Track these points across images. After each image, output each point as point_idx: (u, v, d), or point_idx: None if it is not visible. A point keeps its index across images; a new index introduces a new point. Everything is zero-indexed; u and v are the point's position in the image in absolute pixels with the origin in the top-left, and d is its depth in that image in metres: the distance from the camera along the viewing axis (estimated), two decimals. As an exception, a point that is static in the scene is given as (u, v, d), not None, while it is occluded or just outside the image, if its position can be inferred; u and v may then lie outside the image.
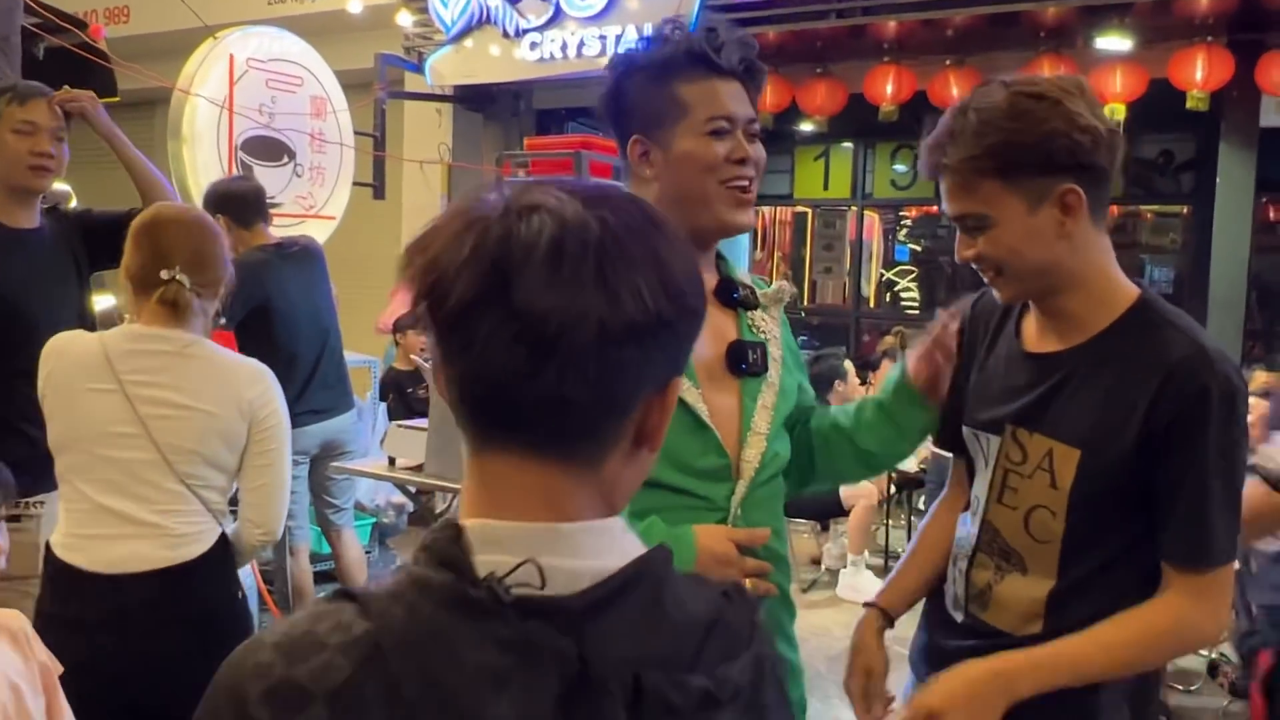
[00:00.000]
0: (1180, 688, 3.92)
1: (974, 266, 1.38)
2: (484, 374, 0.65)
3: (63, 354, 1.93)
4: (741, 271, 1.58)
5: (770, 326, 1.53)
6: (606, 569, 0.66)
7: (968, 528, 1.49)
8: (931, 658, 1.51)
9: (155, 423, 1.87)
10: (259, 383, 1.98)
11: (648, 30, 6.14)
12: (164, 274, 1.90)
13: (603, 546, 0.69)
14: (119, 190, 2.71)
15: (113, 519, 1.86)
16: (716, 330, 1.47)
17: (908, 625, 1.65)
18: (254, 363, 2.03)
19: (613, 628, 0.65)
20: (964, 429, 1.50)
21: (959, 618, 1.48)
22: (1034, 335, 1.42)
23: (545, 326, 0.62)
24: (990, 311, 1.51)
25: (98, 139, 2.65)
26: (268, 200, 4.12)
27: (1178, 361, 1.26)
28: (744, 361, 1.45)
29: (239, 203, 3.60)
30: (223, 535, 1.95)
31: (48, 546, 1.90)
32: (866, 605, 1.61)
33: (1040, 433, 1.35)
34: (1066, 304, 1.36)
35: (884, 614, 1.58)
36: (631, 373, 0.66)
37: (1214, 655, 3.98)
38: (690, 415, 1.39)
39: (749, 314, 1.52)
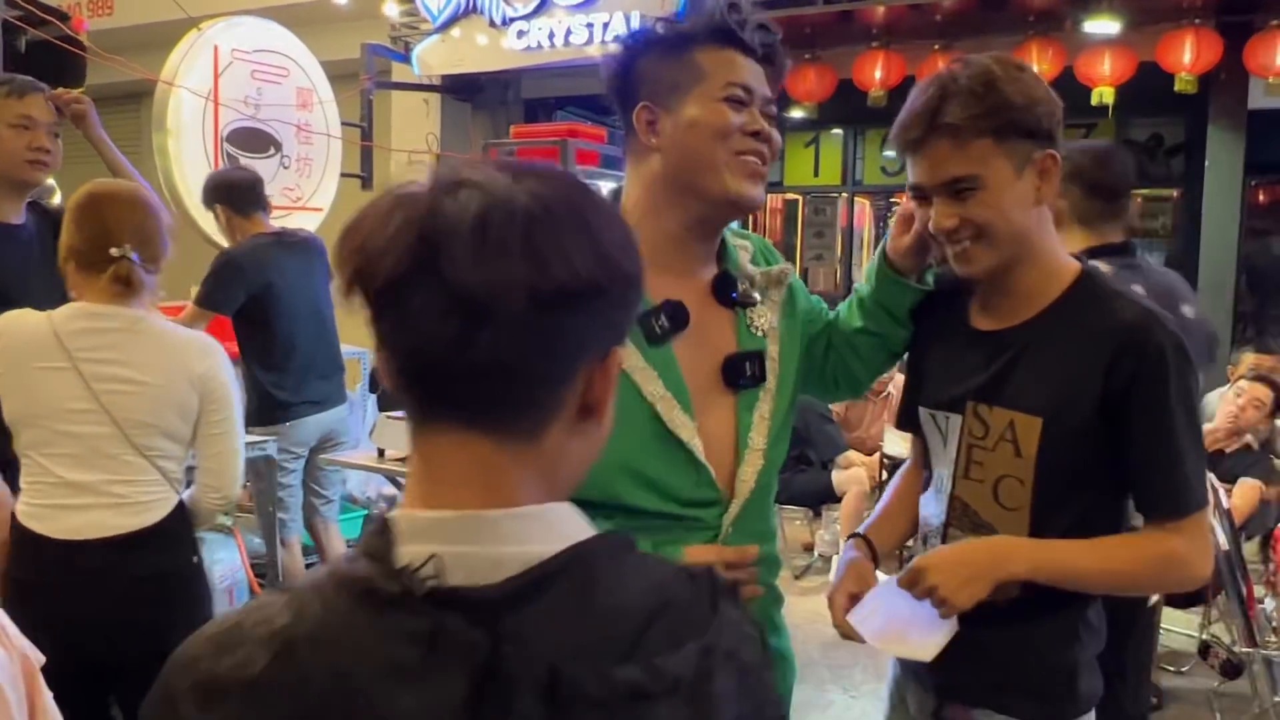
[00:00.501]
0: (1171, 669, 3.94)
1: (941, 239, 1.39)
2: (419, 348, 0.65)
3: (8, 333, 1.96)
4: (743, 249, 1.49)
5: (770, 319, 1.45)
6: (534, 556, 0.65)
7: (932, 507, 1.52)
8: None
9: (110, 398, 1.92)
10: (209, 356, 2.03)
11: (635, 19, 6.12)
12: (114, 251, 1.93)
13: (534, 532, 0.67)
14: None
15: (74, 490, 1.93)
16: (712, 340, 1.40)
17: None
18: (203, 336, 2.09)
19: (534, 618, 0.63)
20: (920, 411, 1.53)
21: None
22: (982, 315, 1.47)
23: (475, 296, 0.62)
24: (935, 299, 1.53)
25: (82, 137, 2.66)
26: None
27: (1130, 325, 1.33)
28: (741, 377, 1.40)
29: (237, 191, 3.61)
30: (180, 503, 2.02)
31: (13, 514, 1.96)
32: (851, 536, 1.61)
33: (1000, 405, 1.39)
34: (1020, 278, 1.40)
35: (870, 545, 1.57)
36: (568, 339, 0.66)
37: (1205, 636, 3.99)
38: (683, 451, 1.34)
39: (748, 312, 1.44)
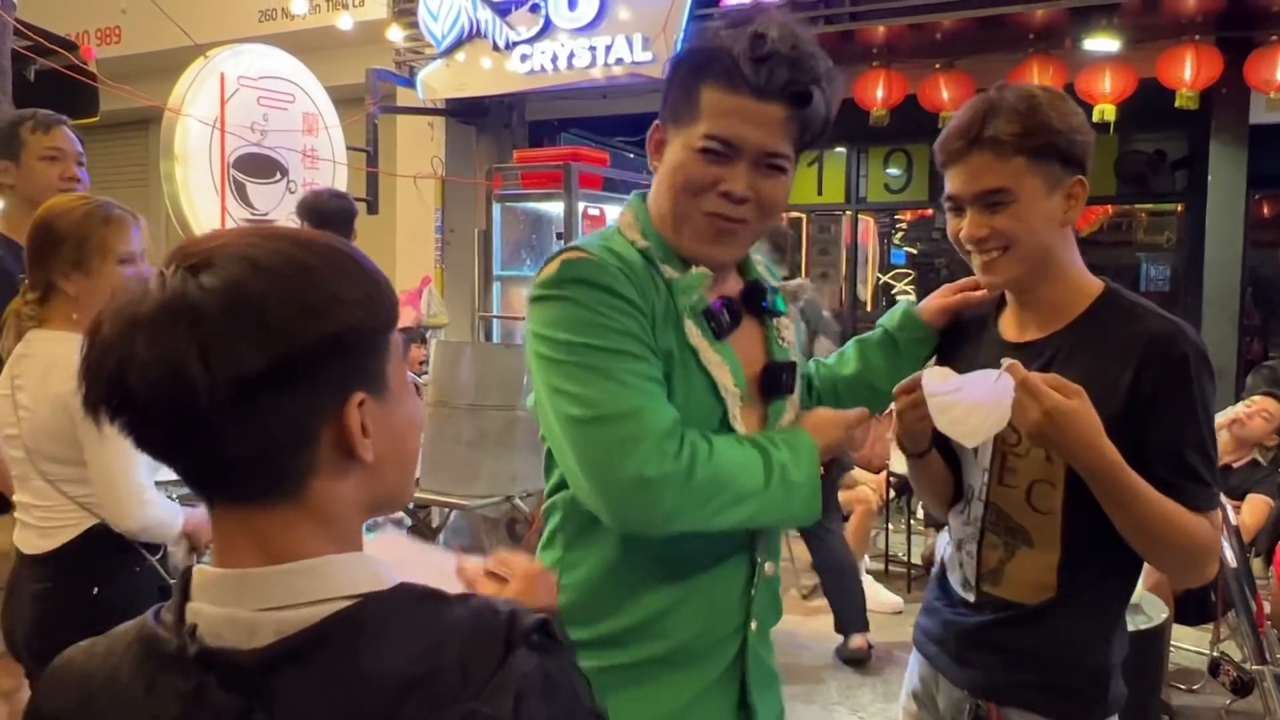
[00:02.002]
0: (1182, 687, 3.91)
1: (970, 248, 1.47)
2: (152, 451, 0.70)
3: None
4: (757, 262, 1.47)
5: (790, 333, 1.45)
6: (295, 621, 0.67)
7: (963, 517, 1.57)
8: (945, 635, 1.58)
9: (24, 424, 2.02)
10: (74, 378, 2.06)
11: (638, 41, 6.09)
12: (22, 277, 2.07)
13: (306, 587, 0.69)
14: None
15: (20, 508, 2.09)
16: (747, 350, 1.37)
17: (898, 630, 1.66)
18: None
19: (290, 685, 0.65)
20: None
21: (971, 597, 1.55)
22: (1013, 328, 1.54)
23: (159, 401, 0.66)
24: (968, 319, 1.63)
25: (101, 161, 2.76)
26: (263, 216, 4.14)
27: (1155, 335, 1.39)
28: (778, 389, 1.39)
29: (331, 220, 3.63)
30: (90, 530, 2.02)
31: None
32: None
33: None
34: (1046, 293, 1.48)
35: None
36: (283, 414, 0.68)
37: (1215, 654, 3.96)
38: None
39: (775, 323, 1.42)
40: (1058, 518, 1.44)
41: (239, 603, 0.67)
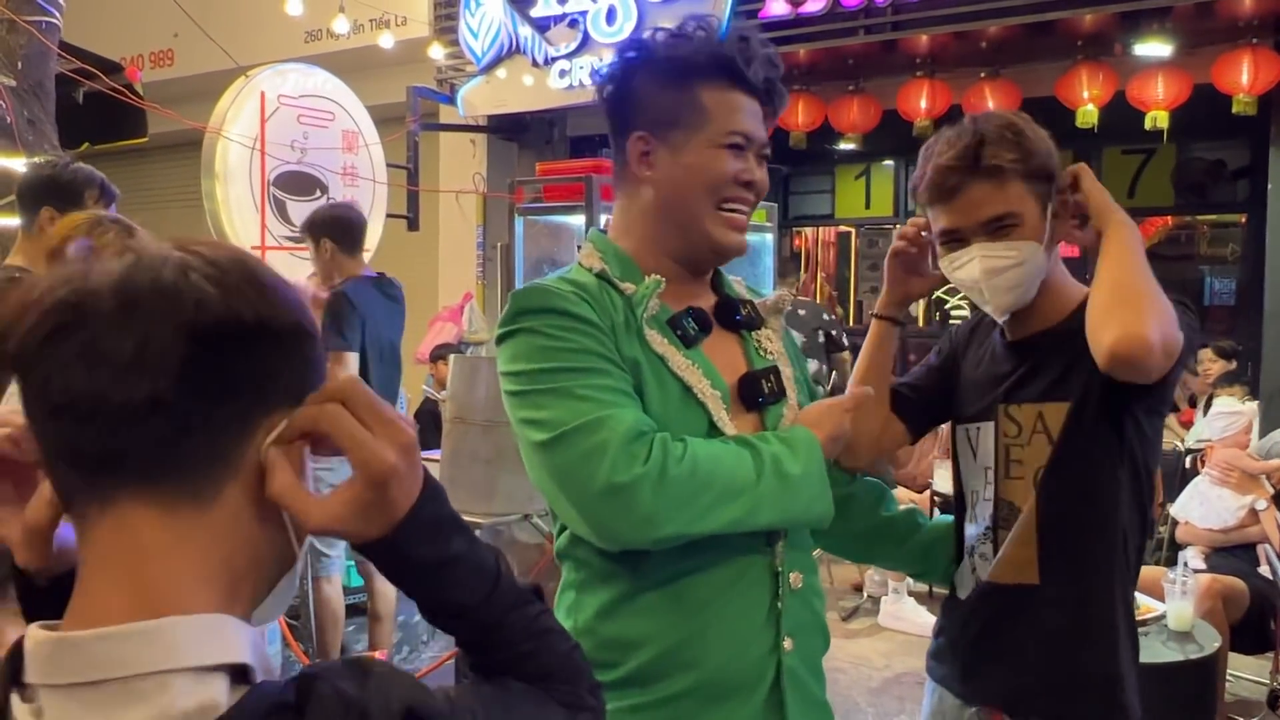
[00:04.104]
0: (1241, 719, 3.73)
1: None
2: (67, 402, 0.61)
3: None
4: (736, 282, 1.50)
5: (776, 344, 1.45)
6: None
7: (972, 525, 1.60)
8: (952, 655, 1.60)
9: None
10: None
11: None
12: None
13: (128, 657, 0.58)
14: (166, 235, 2.78)
15: None
16: (726, 362, 1.38)
17: (909, 655, 1.65)
18: None
19: None
20: (956, 431, 1.64)
21: (963, 595, 1.59)
22: (1009, 329, 1.60)
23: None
24: (971, 331, 1.71)
25: (145, 183, 2.79)
26: (298, 235, 4.18)
27: None
28: (760, 395, 1.37)
29: (352, 231, 3.72)
30: None
31: None
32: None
33: (1029, 402, 1.51)
34: (1038, 300, 1.53)
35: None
36: (228, 380, 0.62)
37: (1275, 684, 3.79)
38: None
39: (754, 335, 1.43)
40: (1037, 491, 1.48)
41: (56, 675, 0.59)
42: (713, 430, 1.29)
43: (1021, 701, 1.49)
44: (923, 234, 1.58)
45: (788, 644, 1.30)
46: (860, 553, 1.80)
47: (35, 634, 0.60)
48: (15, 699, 0.60)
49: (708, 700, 1.25)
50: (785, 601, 1.31)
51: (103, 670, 0.57)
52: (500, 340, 1.29)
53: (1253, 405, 4.84)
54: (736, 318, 1.41)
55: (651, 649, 1.26)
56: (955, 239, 1.49)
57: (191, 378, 0.60)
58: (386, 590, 3.81)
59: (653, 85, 1.33)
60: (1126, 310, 1.32)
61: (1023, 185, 1.44)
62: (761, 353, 1.42)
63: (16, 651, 0.61)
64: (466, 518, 2.98)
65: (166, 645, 0.59)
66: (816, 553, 1.50)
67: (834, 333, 5.70)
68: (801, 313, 5.54)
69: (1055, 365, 1.50)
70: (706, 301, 1.41)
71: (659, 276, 1.32)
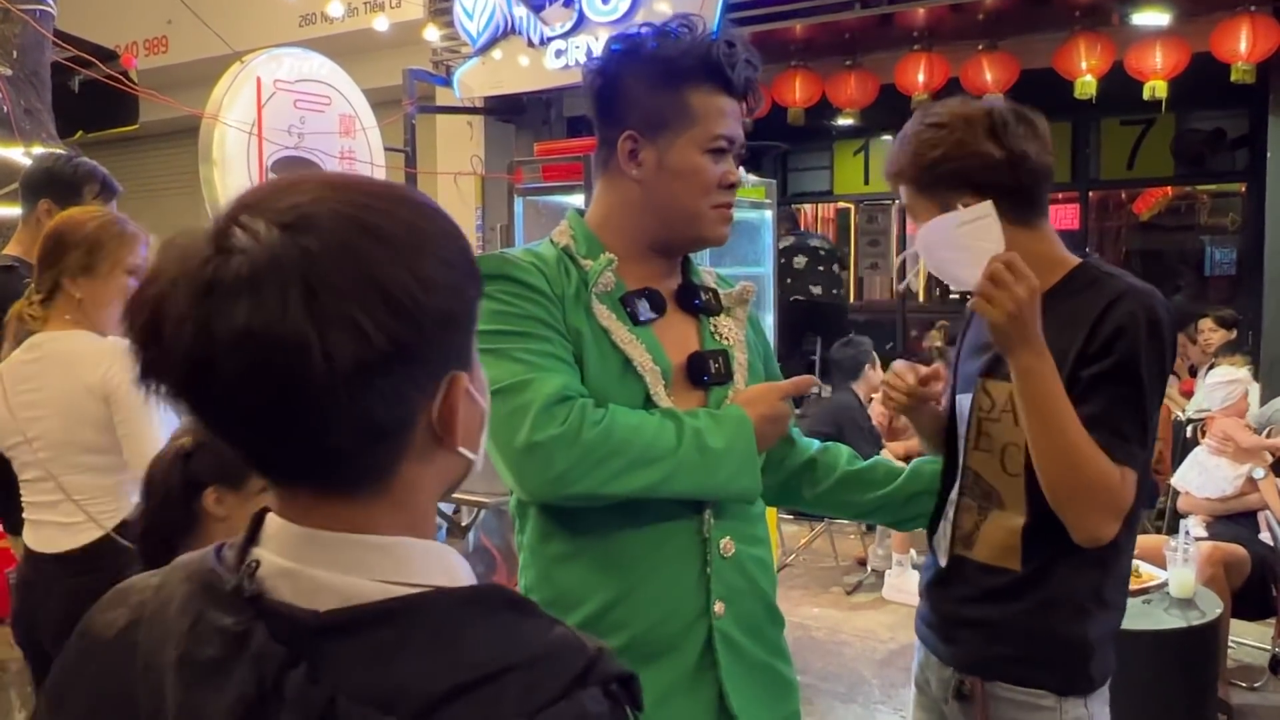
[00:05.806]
0: (1244, 684, 3.77)
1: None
2: (228, 436, 0.64)
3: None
4: (707, 272, 1.56)
5: (735, 331, 1.50)
6: (361, 593, 0.63)
7: (951, 487, 1.62)
8: (933, 617, 1.63)
9: (31, 427, 2.12)
10: (103, 361, 2.12)
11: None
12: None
13: (376, 565, 0.64)
14: (162, 221, 2.78)
15: (36, 508, 2.19)
16: (677, 340, 1.44)
17: (913, 628, 1.70)
18: (102, 342, 2.16)
19: (341, 654, 0.60)
20: (957, 400, 1.65)
21: (944, 561, 1.60)
22: None
23: (260, 387, 0.59)
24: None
25: (141, 170, 2.77)
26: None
27: (1112, 297, 1.43)
28: (705, 373, 1.43)
29: None
30: (101, 538, 2.11)
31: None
32: None
33: (1004, 379, 1.49)
34: None
35: None
36: (387, 402, 0.62)
37: (1277, 650, 3.82)
38: None
39: (712, 320, 1.50)
40: (1022, 479, 1.48)
41: (304, 560, 0.63)
42: (648, 404, 1.35)
43: (991, 668, 1.53)
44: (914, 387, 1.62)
45: (719, 608, 1.36)
46: (836, 506, 1.77)
47: (277, 519, 0.67)
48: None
49: (639, 660, 1.29)
50: (714, 566, 1.37)
51: (350, 567, 0.64)
52: None
53: (1248, 371, 4.85)
54: (695, 302, 1.48)
55: (588, 607, 1.34)
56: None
57: (343, 412, 0.62)
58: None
59: (642, 85, 1.38)
60: (1070, 511, 1.40)
61: (914, 191, 1.52)
62: (716, 337, 1.48)
63: (255, 523, 0.68)
64: (470, 498, 3.01)
65: (398, 559, 0.65)
66: (820, 525, 1.55)
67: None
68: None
69: None
70: (671, 284, 1.48)
71: (611, 255, 1.38)
